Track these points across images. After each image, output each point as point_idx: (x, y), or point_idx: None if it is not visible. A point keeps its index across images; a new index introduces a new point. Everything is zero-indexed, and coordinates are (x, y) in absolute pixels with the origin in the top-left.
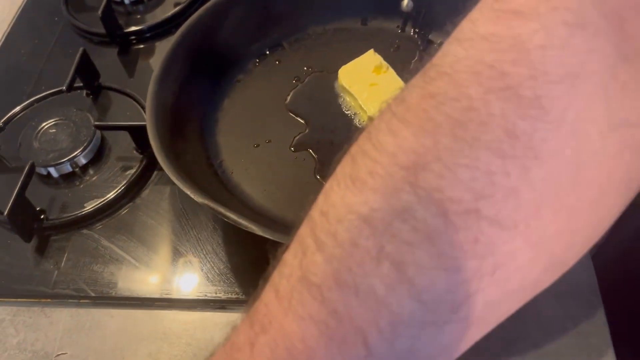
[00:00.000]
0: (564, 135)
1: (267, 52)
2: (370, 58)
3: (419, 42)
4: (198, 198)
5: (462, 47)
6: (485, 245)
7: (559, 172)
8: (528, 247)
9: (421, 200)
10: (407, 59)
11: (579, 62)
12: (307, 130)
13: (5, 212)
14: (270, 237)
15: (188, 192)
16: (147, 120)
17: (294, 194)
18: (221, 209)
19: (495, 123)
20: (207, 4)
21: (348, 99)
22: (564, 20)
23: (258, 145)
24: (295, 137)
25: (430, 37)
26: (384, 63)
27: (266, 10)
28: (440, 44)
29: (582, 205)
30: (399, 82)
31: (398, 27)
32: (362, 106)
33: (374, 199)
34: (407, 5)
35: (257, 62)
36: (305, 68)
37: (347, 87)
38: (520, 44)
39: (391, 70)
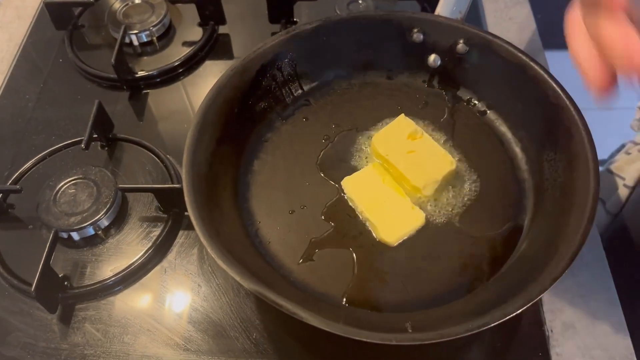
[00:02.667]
0: None
1: (294, 109)
2: (403, 124)
3: (447, 98)
4: (249, 285)
5: None
6: None
7: None
8: None
9: None
10: (436, 116)
11: None
12: (340, 196)
13: (33, 288)
14: (329, 330)
15: (238, 279)
16: (187, 199)
17: (336, 267)
18: (280, 301)
19: None
20: (234, 65)
21: (384, 164)
22: None
23: (293, 212)
24: (328, 203)
25: (458, 93)
26: (418, 129)
27: (293, 68)
28: (469, 101)
29: None
30: (436, 147)
31: (424, 82)
32: (404, 175)
33: None
34: (433, 60)
35: (284, 121)
36: (333, 126)
37: (384, 156)
38: None
39: (426, 136)
